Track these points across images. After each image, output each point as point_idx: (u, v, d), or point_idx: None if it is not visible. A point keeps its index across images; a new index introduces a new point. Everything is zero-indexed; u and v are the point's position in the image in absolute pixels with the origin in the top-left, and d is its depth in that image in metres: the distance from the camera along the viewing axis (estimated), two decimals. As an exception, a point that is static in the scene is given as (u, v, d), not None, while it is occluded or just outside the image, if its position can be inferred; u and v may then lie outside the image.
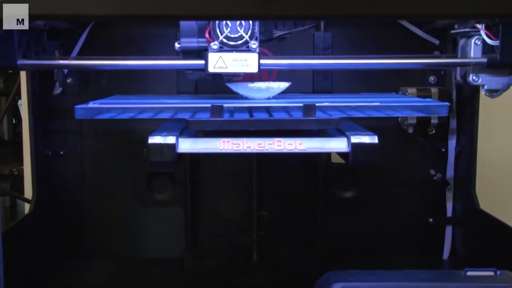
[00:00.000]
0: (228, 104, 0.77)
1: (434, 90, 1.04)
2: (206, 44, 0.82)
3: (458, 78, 0.94)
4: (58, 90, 1.05)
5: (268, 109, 0.80)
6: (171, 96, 1.04)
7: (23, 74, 1.05)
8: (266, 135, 0.74)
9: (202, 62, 0.82)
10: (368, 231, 1.13)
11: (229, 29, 0.80)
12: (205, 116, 0.76)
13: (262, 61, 0.82)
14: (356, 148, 0.74)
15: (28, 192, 1.17)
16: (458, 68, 0.93)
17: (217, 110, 0.75)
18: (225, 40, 0.80)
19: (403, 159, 1.12)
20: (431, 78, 1.10)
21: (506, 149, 1.21)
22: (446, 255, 1.12)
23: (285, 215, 1.13)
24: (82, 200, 1.12)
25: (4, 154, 1.76)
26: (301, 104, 0.76)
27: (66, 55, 1.01)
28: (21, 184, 1.36)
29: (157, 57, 0.91)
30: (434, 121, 1.05)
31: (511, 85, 0.87)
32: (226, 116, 0.76)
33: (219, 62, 0.80)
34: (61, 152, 1.10)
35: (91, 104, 0.78)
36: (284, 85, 0.90)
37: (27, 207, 1.13)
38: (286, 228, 1.13)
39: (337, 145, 0.75)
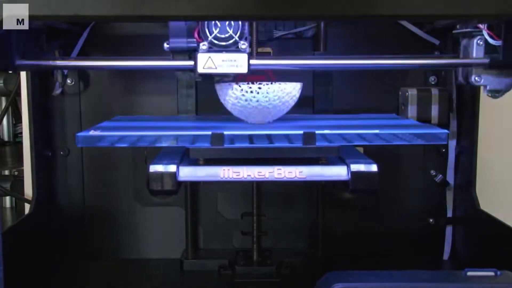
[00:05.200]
0: (228, 132, 0.77)
1: (434, 90, 1.04)
2: (195, 45, 0.80)
3: (460, 78, 0.93)
4: (58, 90, 1.05)
5: (269, 136, 0.80)
6: (172, 117, 1.05)
7: (23, 74, 1.05)
8: (266, 163, 0.76)
9: (192, 62, 0.81)
10: (368, 231, 1.13)
11: (218, 29, 0.79)
12: (205, 142, 0.76)
13: (252, 61, 0.80)
14: (356, 176, 0.75)
15: (28, 192, 1.17)
16: (460, 69, 0.93)
17: (218, 139, 0.75)
18: (214, 41, 0.79)
19: (403, 159, 1.12)
20: (431, 78, 1.10)
21: (506, 149, 1.21)
22: (446, 255, 1.12)
23: (285, 216, 1.13)
24: (82, 200, 1.11)
25: (4, 154, 1.75)
26: (302, 132, 0.76)
27: (66, 55, 1.01)
28: (21, 184, 1.35)
29: (150, 58, 0.88)
30: (434, 121, 1.05)
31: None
32: (227, 143, 0.76)
33: (209, 63, 0.79)
34: (61, 152, 1.10)
35: (92, 132, 0.79)
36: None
37: (27, 207, 1.13)
38: (286, 228, 1.13)
39: (337, 173, 0.77)
